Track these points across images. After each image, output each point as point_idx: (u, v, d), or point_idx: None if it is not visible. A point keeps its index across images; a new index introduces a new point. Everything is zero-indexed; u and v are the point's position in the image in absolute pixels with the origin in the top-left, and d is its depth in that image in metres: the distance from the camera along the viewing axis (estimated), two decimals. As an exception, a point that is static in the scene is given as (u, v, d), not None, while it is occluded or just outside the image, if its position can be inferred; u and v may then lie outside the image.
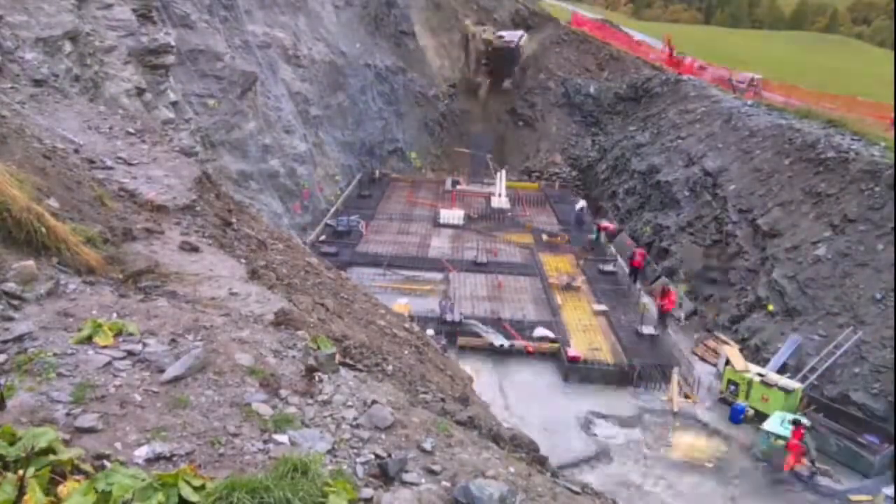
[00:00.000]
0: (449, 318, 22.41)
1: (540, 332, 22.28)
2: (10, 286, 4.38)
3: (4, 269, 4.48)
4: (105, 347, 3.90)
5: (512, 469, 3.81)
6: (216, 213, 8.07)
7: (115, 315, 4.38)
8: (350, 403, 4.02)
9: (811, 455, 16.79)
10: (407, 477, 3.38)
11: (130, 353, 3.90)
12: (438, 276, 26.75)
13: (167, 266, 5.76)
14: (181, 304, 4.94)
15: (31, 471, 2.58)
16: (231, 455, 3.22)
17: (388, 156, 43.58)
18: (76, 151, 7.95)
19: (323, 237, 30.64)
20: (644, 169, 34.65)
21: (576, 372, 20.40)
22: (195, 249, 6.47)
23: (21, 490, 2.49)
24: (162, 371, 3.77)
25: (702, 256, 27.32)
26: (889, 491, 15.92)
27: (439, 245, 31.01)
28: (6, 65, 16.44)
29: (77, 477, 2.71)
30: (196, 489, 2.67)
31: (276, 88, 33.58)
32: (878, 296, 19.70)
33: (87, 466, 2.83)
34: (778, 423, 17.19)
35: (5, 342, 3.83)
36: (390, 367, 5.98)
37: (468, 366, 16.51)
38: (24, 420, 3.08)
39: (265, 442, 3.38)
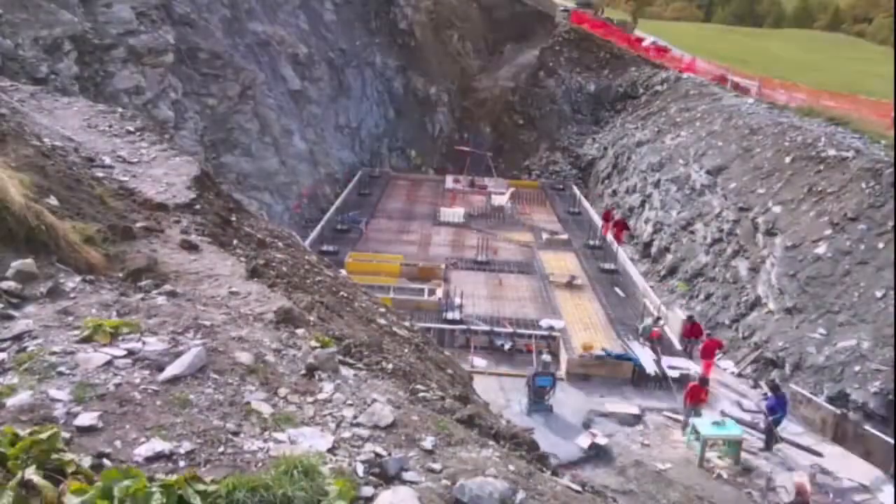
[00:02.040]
0: (450, 316, 22.46)
1: (547, 322, 22.32)
2: (10, 284, 4.37)
3: (4, 267, 4.48)
4: (105, 346, 3.89)
5: (512, 467, 3.80)
6: (216, 211, 8.06)
7: (114, 314, 4.38)
8: (350, 402, 4.02)
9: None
10: (407, 475, 3.37)
11: (130, 352, 3.88)
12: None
13: (167, 265, 5.76)
14: (181, 302, 4.94)
15: (31, 470, 2.58)
16: (231, 453, 3.22)
17: (389, 154, 43.60)
18: (76, 150, 7.95)
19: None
20: (644, 167, 34.64)
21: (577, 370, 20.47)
22: (195, 248, 6.46)
23: (25, 491, 2.49)
24: (162, 370, 3.76)
25: (702, 254, 27.33)
26: (889, 497, 15.75)
27: (440, 243, 31.05)
28: (6, 63, 16.46)
29: (77, 477, 2.71)
30: (198, 492, 2.66)
31: (276, 87, 33.55)
32: (879, 294, 19.70)
33: (86, 466, 2.83)
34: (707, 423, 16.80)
35: (4, 341, 3.83)
36: (390, 366, 5.97)
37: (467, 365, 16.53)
38: (23, 419, 3.07)
39: (265, 440, 3.38)
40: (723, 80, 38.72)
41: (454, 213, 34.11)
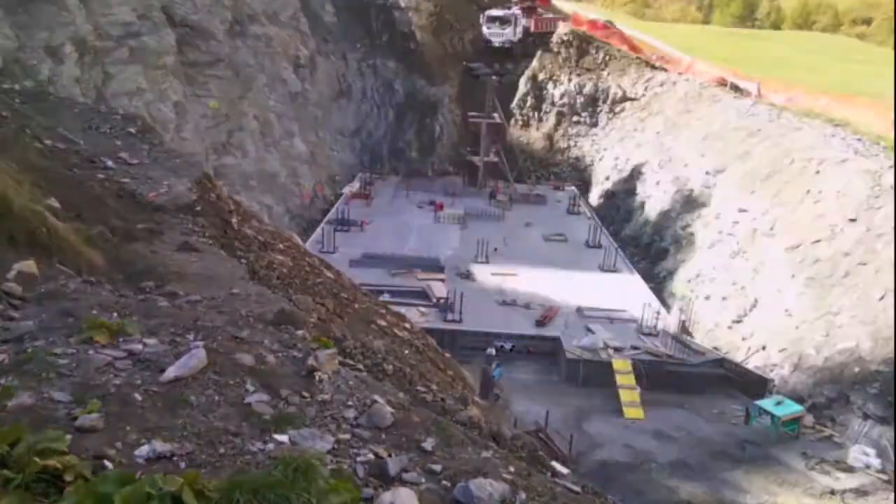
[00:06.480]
0: (450, 317, 22.46)
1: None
2: (11, 286, 4.38)
3: (5, 268, 4.48)
4: (105, 347, 3.90)
5: (512, 469, 3.80)
6: (216, 213, 8.07)
7: (115, 315, 4.38)
8: (350, 403, 4.02)
9: None
10: (407, 477, 3.37)
11: (131, 353, 3.89)
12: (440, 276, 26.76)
13: (167, 266, 5.77)
14: (181, 303, 4.95)
15: (32, 472, 2.59)
16: (231, 455, 3.22)
17: (389, 155, 43.61)
18: (77, 152, 7.96)
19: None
20: (644, 168, 34.66)
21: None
22: (195, 249, 6.47)
23: (24, 491, 2.49)
24: (162, 371, 3.76)
25: (702, 256, 27.33)
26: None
27: (440, 244, 31.05)
28: (8, 65, 16.50)
29: (77, 479, 2.71)
30: (196, 494, 2.66)
31: (276, 89, 33.58)
32: (879, 295, 19.69)
33: (87, 467, 2.83)
34: (772, 403, 18.07)
35: (6, 342, 3.83)
36: (390, 367, 5.99)
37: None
38: (24, 420, 3.08)
39: (265, 442, 3.38)
40: (722, 82, 38.71)
41: (454, 213, 34.14)
